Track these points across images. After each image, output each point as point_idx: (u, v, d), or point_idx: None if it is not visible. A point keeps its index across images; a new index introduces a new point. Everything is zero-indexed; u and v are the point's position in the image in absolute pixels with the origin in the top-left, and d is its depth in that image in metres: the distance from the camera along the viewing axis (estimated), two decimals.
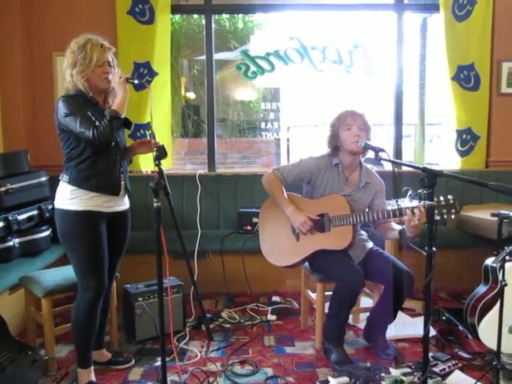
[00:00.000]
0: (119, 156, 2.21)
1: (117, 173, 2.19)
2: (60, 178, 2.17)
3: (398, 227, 2.45)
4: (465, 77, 3.80)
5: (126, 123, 2.18)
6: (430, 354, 2.27)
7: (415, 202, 2.38)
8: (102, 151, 2.11)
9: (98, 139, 2.00)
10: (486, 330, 2.44)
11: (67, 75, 2.13)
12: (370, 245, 2.65)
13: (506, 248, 2.27)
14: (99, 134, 1.99)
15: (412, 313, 3.09)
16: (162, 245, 1.93)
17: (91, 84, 2.13)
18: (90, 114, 2.06)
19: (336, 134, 2.52)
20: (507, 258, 2.20)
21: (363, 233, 2.70)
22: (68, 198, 2.11)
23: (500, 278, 2.10)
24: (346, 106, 2.59)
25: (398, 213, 2.30)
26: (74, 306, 2.21)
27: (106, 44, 2.16)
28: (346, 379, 2.16)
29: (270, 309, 3.19)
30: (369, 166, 2.67)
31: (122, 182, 2.24)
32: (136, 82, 2.18)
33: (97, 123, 2.02)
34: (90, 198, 2.12)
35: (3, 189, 2.85)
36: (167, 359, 2.02)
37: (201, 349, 2.67)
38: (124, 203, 2.31)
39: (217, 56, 4.12)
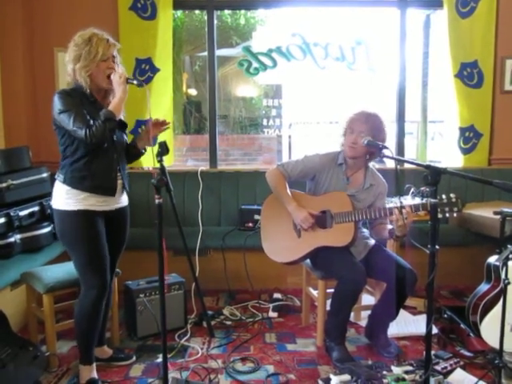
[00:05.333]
0: (116, 155, 2.17)
1: (113, 173, 2.16)
2: (56, 177, 2.15)
3: (390, 227, 2.45)
4: (468, 74, 3.78)
5: (122, 125, 2.16)
6: (432, 352, 2.26)
7: (417, 200, 2.37)
8: (97, 150, 2.07)
9: (90, 139, 1.96)
10: (488, 329, 2.43)
11: (69, 69, 2.09)
12: (372, 242, 2.64)
13: (508, 246, 2.26)
14: (91, 134, 1.96)
15: (413, 311, 3.09)
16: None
17: (93, 80, 2.09)
18: (85, 111, 2.02)
19: (344, 134, 2.54)
20: (510, 256, 2.19)
21: (365, 230, 2.69)
22: (64, 197, 2.10)
23: (503, 276, 2.10)
24: (356, 103, 2.55)
25: (399, 210, 2.29)
26: (78, 303, 2.20)
27: (112, 40, 2.13)
28: (347, 377, 2.16)
29: (271, 306, 3.19)
30: (371, 163, 2.66)
31: (119, 182, 2.20)
32: (135, 82, 2.12)
33: (91, 122, 1.98)
34: (85, 198, 2.10)
35: (5, 185, 2.85)
36: (168, 356, 2.02)
37: (202, 345, 2.67)
38: (122, 201, 2.28)
39: (219, 52, 4.10)
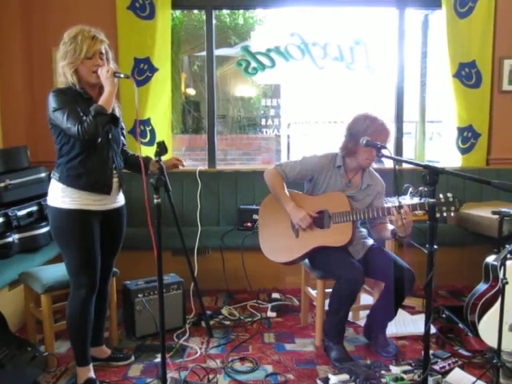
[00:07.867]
0: (112, 153, 2.17)
1: (108, 171, 2.15)
2: (51, 175, 2.14)
3: (391, 227, 2.45)
4: (466, 74, 3.79)
5: (113, 119, 2.14)
6: (430, 352, 2.26)
7: (416, 200, 2.37)
8: (93, 148, 2.06)
9: (82, 135, 1.95)
10: (487, 328, 2.44)
11: (59, 67, 2.09)
12: (371, 242, 2.64)
13: (506, 246, 2.26)
14: (83, 130, 1.95)
15: (412, 310, 3.09)
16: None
17: (81, 77, 2.08)
18: (79, 109, 2.01)
19: (357, 142, 2.34)
20: (508, 256, 2.19)
21: (363, 230, 2.69)
22: (60, 196, 2.09)
23: (501, 275, 2.10)
24: (354, 103, 2.51)
25: (398, 209, 2.29)
26: (68, 305, 2.19)
27: (100, 36, 2.09)
28: (346, 376, 2.16)
29: (269, 306, 3.19)
30: None
31: (115, 180, 2.19)
32: (122, 75, 2.10)
33: (83, 119, 1.98)
34: (81, 197, 2.09)
35: (3, 185, 2.84)
36: (167, 355, 2.02)
37: (201, 345, 2.67)
38: (118, 200, 2.27)
39: (217, 52, 4.11)
